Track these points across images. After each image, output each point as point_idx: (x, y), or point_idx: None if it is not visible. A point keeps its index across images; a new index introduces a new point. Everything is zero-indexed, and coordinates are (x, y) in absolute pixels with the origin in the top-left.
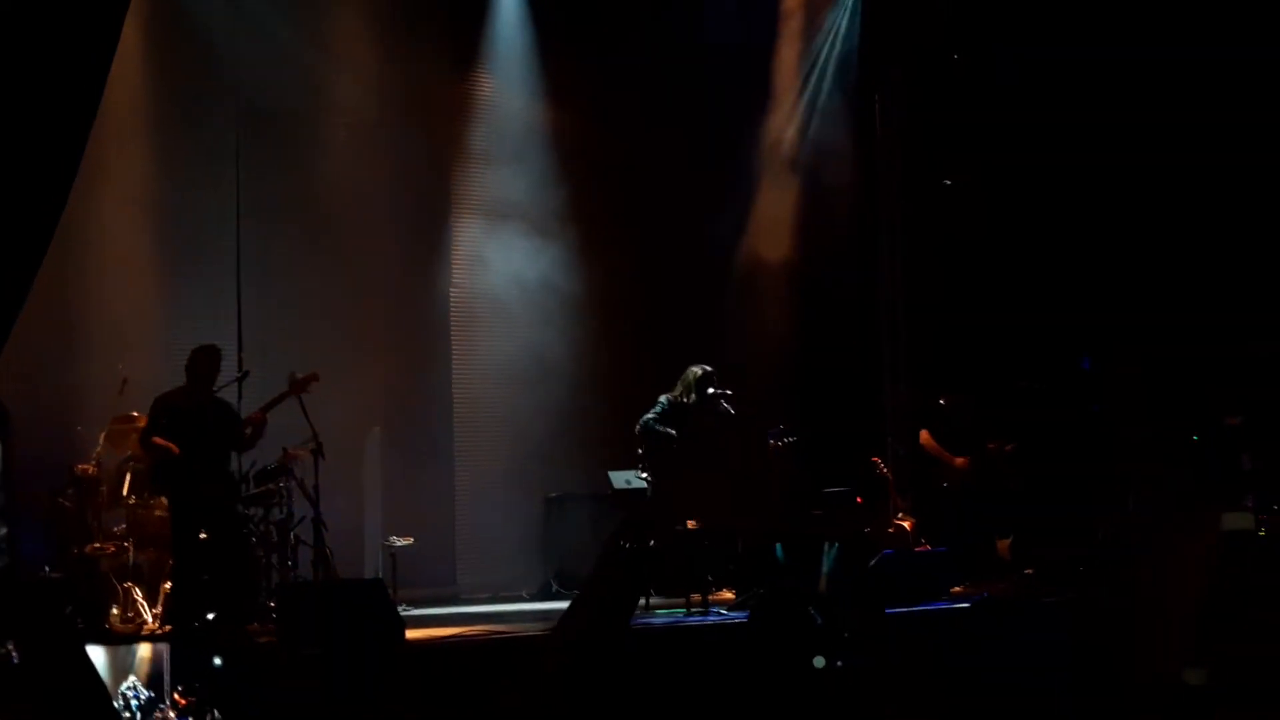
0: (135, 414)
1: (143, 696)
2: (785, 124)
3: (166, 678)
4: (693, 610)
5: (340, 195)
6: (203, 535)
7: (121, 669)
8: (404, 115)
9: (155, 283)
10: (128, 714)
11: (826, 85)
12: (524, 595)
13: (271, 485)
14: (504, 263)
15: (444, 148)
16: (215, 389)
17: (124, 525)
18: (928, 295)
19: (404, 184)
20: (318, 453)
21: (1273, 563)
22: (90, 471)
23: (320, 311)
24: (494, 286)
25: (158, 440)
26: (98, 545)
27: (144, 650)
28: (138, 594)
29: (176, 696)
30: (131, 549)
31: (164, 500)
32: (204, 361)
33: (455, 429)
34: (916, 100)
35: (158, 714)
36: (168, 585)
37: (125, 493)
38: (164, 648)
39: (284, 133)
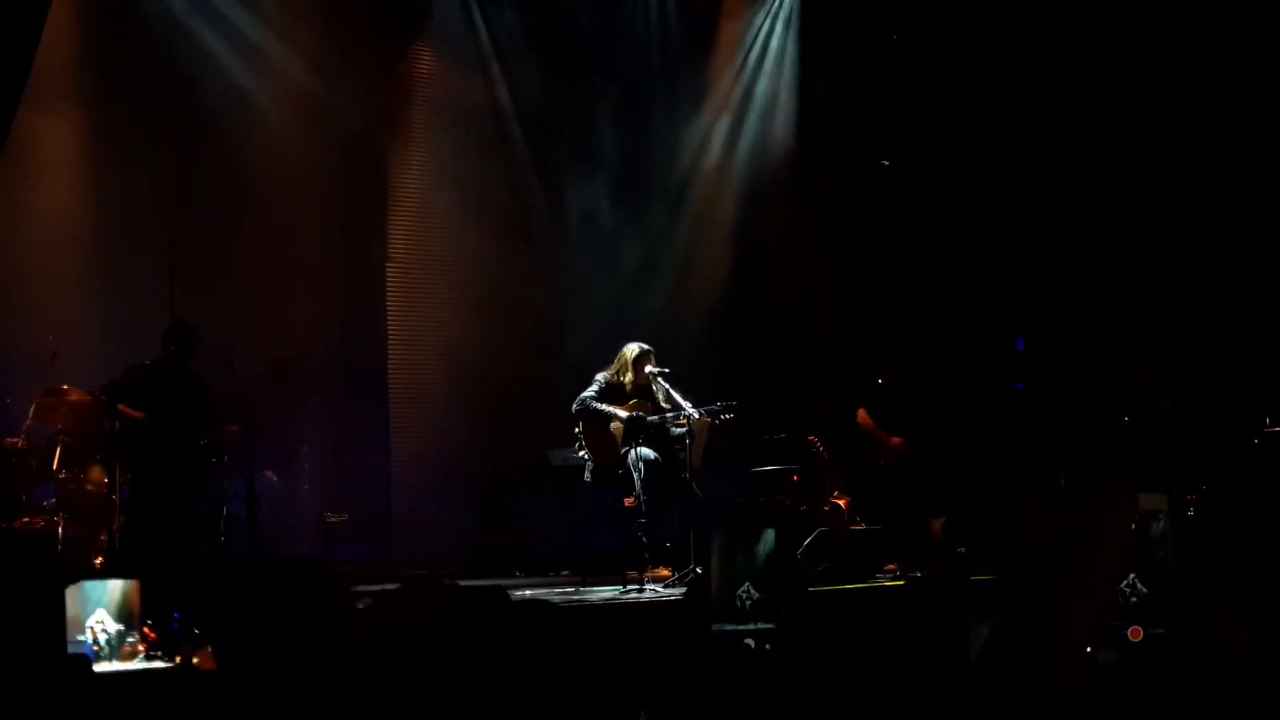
0: (65, 387)
1: (112, 630)
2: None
3: (137, 613)
4: (629, 587)
5: (275, 169)
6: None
7: (92, 604)
8: (342, 88)
9: (87, 256)
10: (96, 647)
11: (768, 60)
12: (456, 571)
13: (206, 460)
14: (442, 237)
15: (382, 121)
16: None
17: (54, 500)
18: (864, 276)
19: (340, 158)
20: (252, 428)
21: (1187, 543)
22: (19, 445)
23: (254, 286)
24: (431, 261)
25: (122, 408)
26: (26, 520)
27: (114, 586)
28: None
29: (146, 630)
30: (62, 523)
31: (95, 474)
32: (178, 337)
33: (391, 404)
34: (853, 79)
35: (127, 646)
36: (99, 561)
37: (55, 467)
38: (133, 584)
39: (219, 106)
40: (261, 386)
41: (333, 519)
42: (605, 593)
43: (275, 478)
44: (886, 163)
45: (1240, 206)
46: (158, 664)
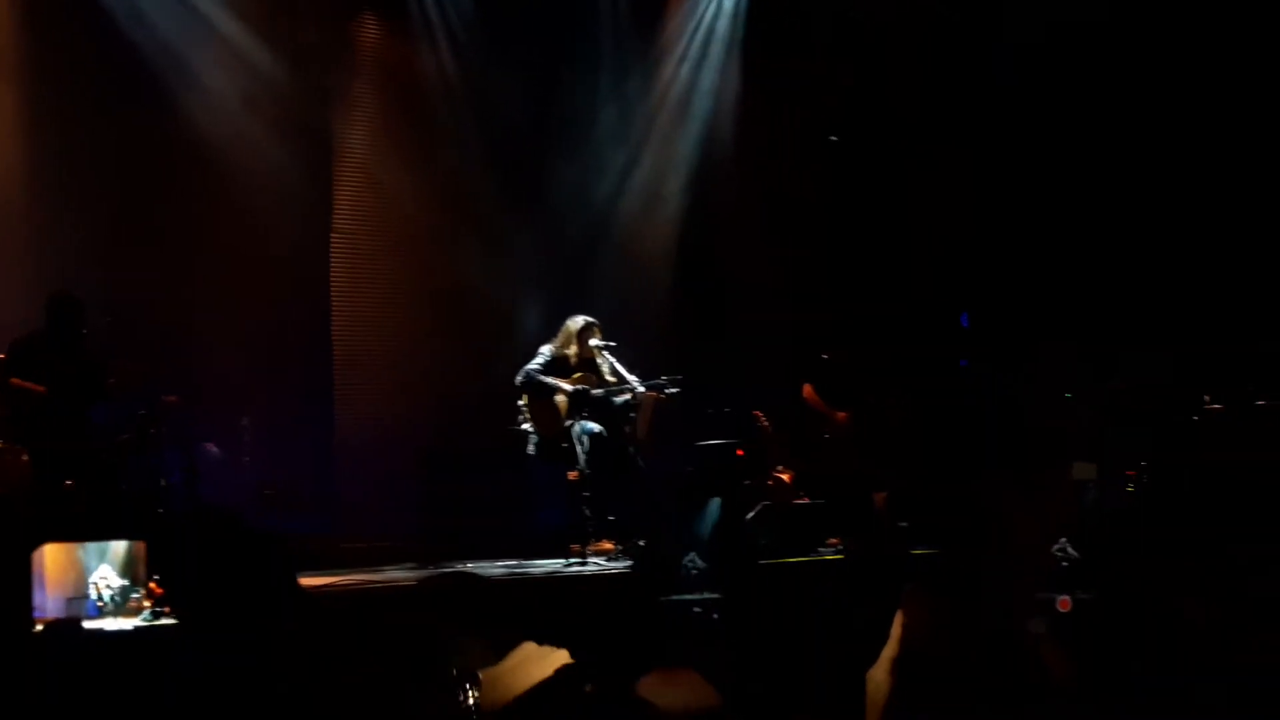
0: None
1: (115, 585)
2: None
3: (143, 569)
4: (572, 560)
5: (218, 140)
6: (68, 483)
7: (95, 561)
8: (287, 59)
9: (19, 230)
10: (100, 603)
11: (716, 38)
12: (400, 545)
13: (143, 432)
14: (388, 210)
15: (328, 93)
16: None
17: None
18: (811, 252)
19: (285, 129)
20: (189, 402)
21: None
22: None
23: (195, 258)
24: (378, 233)
25: (16, 381)
26: None
27: (119, 545)
28: None
29: (152, 585)
30: None
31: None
32: (59, 309)
33: (335, 376)
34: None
35: (132, 601)
36: None
37: None
38: (139, 543)
39: (161, 77)
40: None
41: (269, 492)
42: (548, 566)
43: (216, 449)
44: (834, 139)
45: (1174, 191)
46: (163, 621)
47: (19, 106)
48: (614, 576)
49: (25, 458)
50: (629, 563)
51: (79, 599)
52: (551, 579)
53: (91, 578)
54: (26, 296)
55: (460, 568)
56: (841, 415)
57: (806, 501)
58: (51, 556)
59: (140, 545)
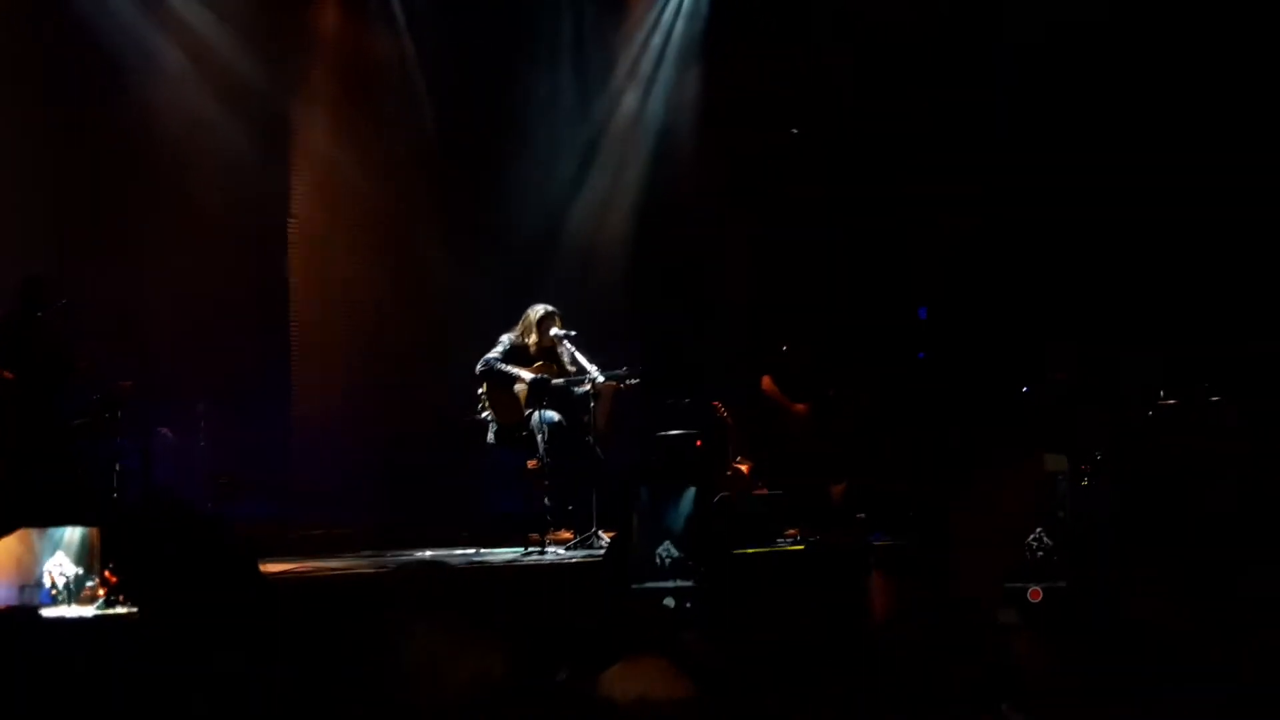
0: None
1: (70, 574)
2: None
3: (97, 557)
4: (530, 549)
5: (174, 123)
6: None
7: (50, 548)
8: (246, 42)
9: None
10: (54, 591)
11: (679, 24)
12: (353, 534)
13: (99, 417)
14: (346, 195)
15: (287, 76)
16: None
17: None
18: (772, 243)
19: (243, 113)
20: (144, 387)
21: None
22: None
23: (152, 241)
24: (335, 218)
25: None
26: None
27: (74, 533)
28: None
29: (107, 574)
30: None
31: None
32: (34, 291)
33: (292, 362)
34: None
35: (86, 590)
36: None
37: None
38: (94, 531)
39: (116, 58)
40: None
41: (223, 479)
42: (506, 555)
43: (171, 434)
44: (795, 131)
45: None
46: (118, 609)
47: None
48: (580, 565)
49: None
50: (587, 552)
51: (31, 587)
52: (510, 567)
53: (45, 565)
54: None
55: (419, 556)
56: (800, 407)
57: (765, 492)
58: (3, 544)
59: (95, 532)
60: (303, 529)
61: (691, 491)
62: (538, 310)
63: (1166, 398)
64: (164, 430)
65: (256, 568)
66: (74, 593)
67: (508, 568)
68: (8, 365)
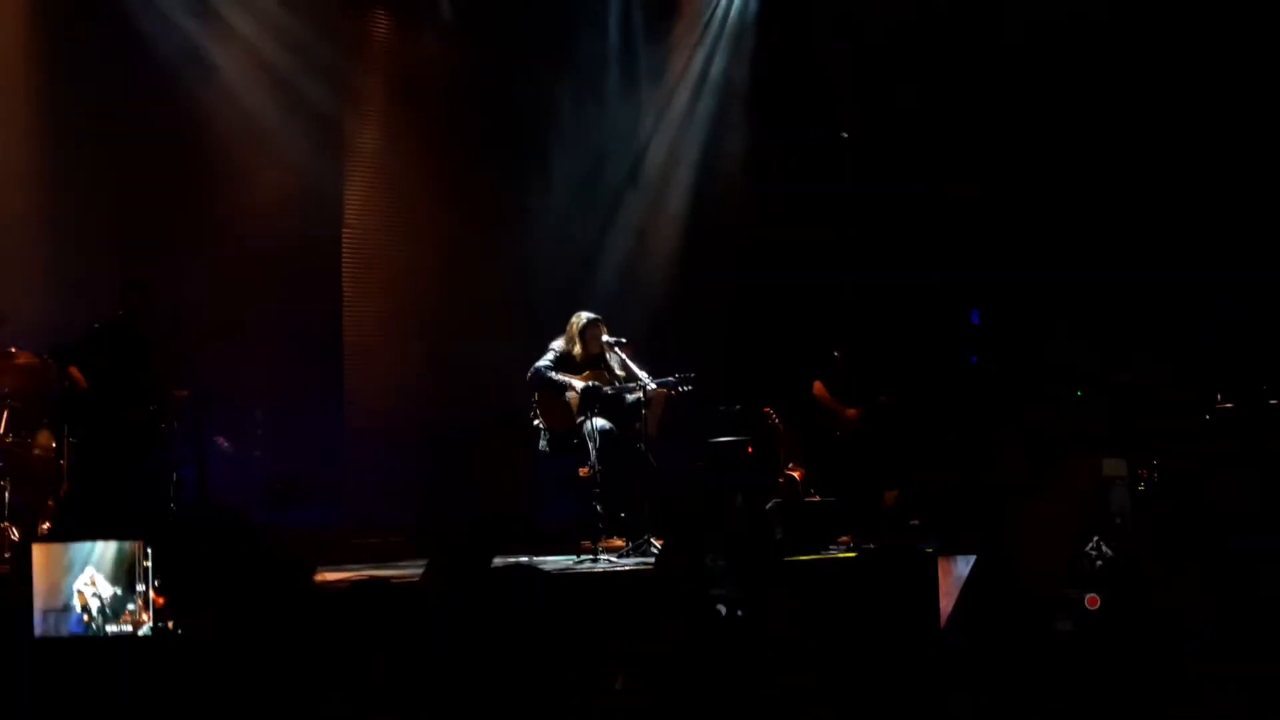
0: (13, 350)
1: (105, 595)
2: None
3: (139, 573)
4: (583, 557)
5: (231, 132)
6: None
7: (80, 563)
8: (300, 52)
9: (36, 219)
10: (87, 616)
11: (726, 35)
12: (407, 537)
13: (155, 426)
14: (399, 204)
15: (341, 85)
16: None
17: (0, 464)
18: (820, 249)
19: (297, 122)
20: (205, 396)
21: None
22: None
23: (207, 248)
24: (388, 227)
25: (74, 371)
26: None
27: (108, 546)
28: (15, 534)
29: (153, 595)
30: (8, 488)
31: (43, 439)
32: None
33: (346, 369)
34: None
35: (126, 615)
36: (46, 526)
37: (2, 431)
38: (135, 545)
39: (173, 68)
40: None
41: (280, 485)
42: (559, 562)
43: (226, 443)
44: (845, 135)
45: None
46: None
47: (32, 100)
48: (633, 573)
49: (37, 452)
50: (639, 559)
51: (58, 611)
52: (563, 575)
53: (75, 584)
54: (43, 290)
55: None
56: (852, 412)
57: (817, 499)
58: (37, 555)
59: (137, 546)
60: (356, 536)
61: (740, 498)
62: (581, 319)
63: (1224, 401)
64: (220, 439)
65: (311, 578)
66: (111, 617)
67: (561, 575)
68: (95, 373)
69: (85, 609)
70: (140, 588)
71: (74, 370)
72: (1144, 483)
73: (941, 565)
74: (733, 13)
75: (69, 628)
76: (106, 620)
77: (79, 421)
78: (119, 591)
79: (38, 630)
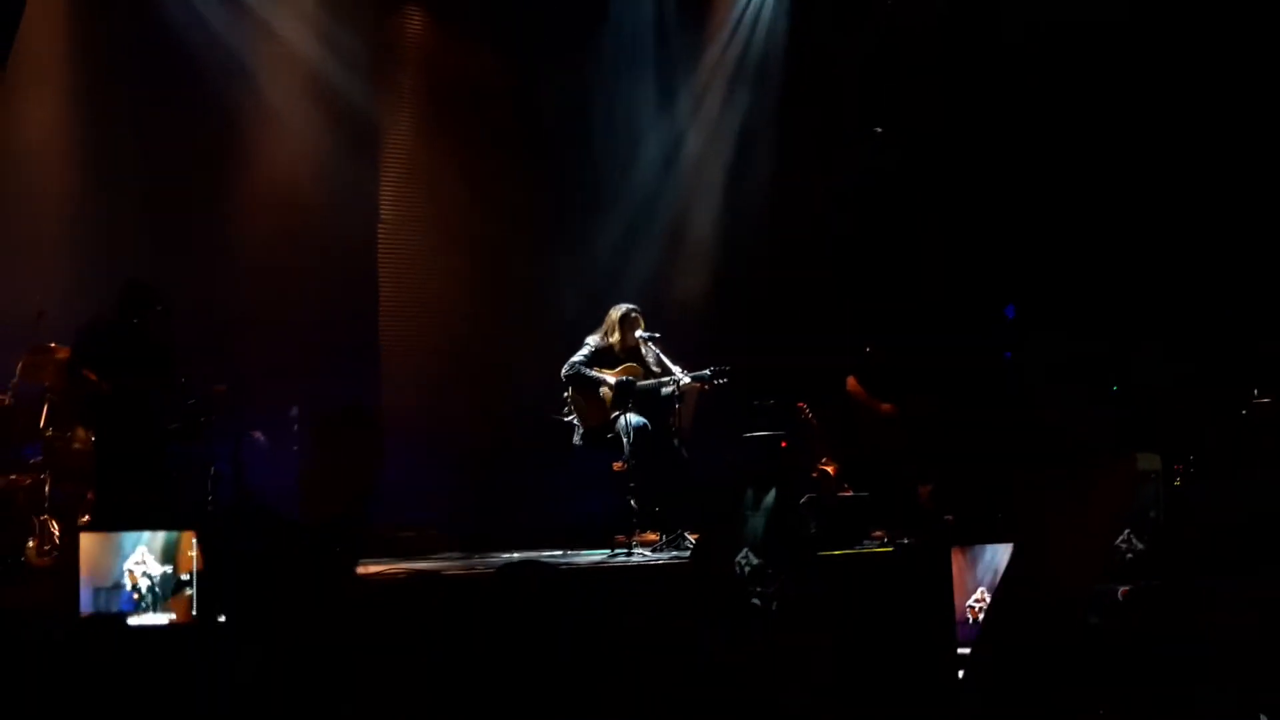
0: (53, 345)
1: (156, 574)
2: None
3: (183, 562)
4: (617, 551)
5: (264, 129)
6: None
7: (128, 544)
8: (333, 49)
9: (73, 213)
10: (136, 595)
11: (761, 24)
12: (442, 536)
13: (193, 421)
14: (434, 200)
15: (375, 82)
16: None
17: (40, 457)
18: (856, 242)
19: (331, 118)
20: (237, 391)
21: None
22: (5, 402)
23: (242, 245)
24: (424, 222)
25: (89, 373)
26: (13, 477)
27: (157, 536)
28: (54, 527)
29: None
30: (49, 481)
31: (82, 432)
32: (129, 296)
33: (382, 365)
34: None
35: (188, 591)
36: (86, 518)
37: (42, 424)
38: (186, 534)
39: (206, 65)
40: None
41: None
42: (593, 556)
43: (263, 438)
44: (879, 129)
45: (1223, 187)
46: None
47: (66, 98)
48: (667, 567)
49: (77, 445)
50: (674, 553)
51: (109, 590)
52: (599, 569)
53: (126, 564)
54: (77, 288)
55: (508, 557)
56: (886, 407)
57: (851, 494)
58: (85, 541)
59: (187, 535)
60: (392, 530)
61: (773, 493)
62: (620, 310)
63: (1261, 396)
64: (256, 434)
65: (353, 571)
66: (162, 597)
67: (595, 569)
68: (102, 371)
69: (135, 588)
70: (186, 576)
71: (88, 373)
72: (1179, 477)
73: (955, 557)
74: (765, 12)
75: (120, 605)
76: (156, 600)
77: (103, 421)
78: (169, 570)
79: (88, 608)
